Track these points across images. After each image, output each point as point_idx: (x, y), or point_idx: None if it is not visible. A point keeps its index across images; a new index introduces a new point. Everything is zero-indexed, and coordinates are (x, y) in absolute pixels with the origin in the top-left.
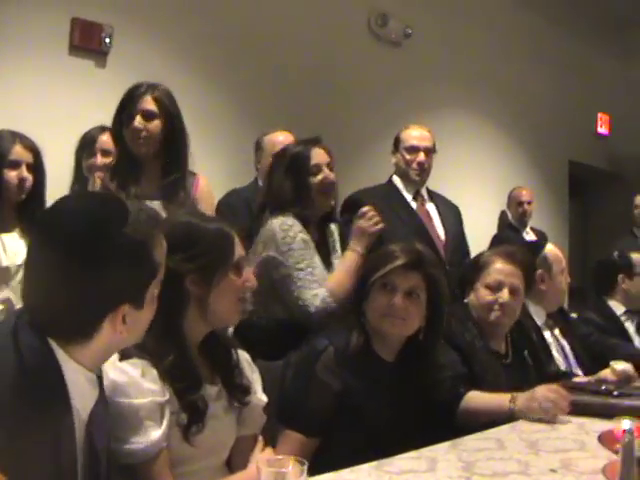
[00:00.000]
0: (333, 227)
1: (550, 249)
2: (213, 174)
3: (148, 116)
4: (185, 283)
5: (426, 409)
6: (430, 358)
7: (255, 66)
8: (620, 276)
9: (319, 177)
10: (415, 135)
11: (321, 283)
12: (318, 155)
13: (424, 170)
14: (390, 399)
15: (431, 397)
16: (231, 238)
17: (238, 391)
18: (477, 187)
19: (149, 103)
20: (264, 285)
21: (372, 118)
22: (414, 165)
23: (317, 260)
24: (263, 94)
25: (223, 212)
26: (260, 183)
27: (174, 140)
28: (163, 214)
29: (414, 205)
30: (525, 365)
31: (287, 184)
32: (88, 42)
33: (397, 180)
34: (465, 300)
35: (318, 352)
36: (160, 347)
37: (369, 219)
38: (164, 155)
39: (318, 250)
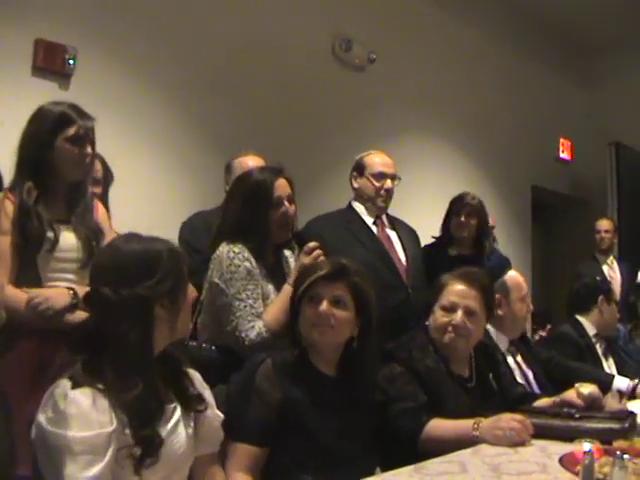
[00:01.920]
0: (288, 253)
1: (511, 275)
2: (178, 196)
3: (91, 143)
4: (155, 308)
5: (377, 429)
6: (366, 368)
7: (218, 88)
8: (600, 297)
9: (280, 211)
10: (382, 162)
11: (260, 315)
12: (281, 187)
13: (390, 197)
14: (334, 413)
15: (392, 426)
16: (182, 255)
17: (192, 401)
18: (440, 212)
19: (92, 131)
20: (211, 311)
21: (336, 142)
22: (382, 192)
23: (259, 291)
24: (226, 117)
25: (184, 232)
26: None
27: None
28: (73, 236)
29: (375, 230)
30: (489, 389)
31: (245, 215)
32: (51, 64)
33: (357, 205)
34: (427, 323)
35: (257, 364)
36: (125, 380)
37: (314, 258)
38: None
39: (274, 276)
